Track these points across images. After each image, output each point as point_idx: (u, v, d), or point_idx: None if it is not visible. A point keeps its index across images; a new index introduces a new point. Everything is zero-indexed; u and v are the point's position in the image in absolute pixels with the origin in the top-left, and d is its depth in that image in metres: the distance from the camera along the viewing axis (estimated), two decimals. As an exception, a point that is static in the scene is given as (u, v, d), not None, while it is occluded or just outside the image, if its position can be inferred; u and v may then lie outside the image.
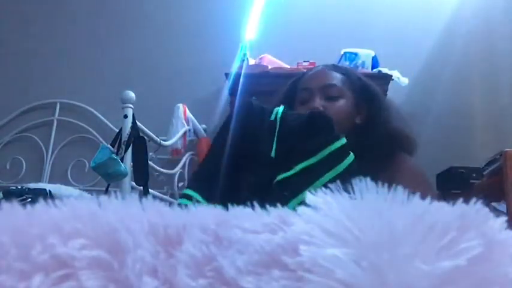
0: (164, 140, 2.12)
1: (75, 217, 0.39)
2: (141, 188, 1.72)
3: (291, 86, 1.24)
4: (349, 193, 0.41)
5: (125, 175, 1.63)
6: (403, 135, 1.14)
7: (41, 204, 0.42)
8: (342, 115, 1.10)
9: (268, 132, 0.93)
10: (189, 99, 2.55)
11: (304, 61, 2.31)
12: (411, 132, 1.17)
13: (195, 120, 2.49)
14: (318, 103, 1.10)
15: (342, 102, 1.12)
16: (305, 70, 1.42)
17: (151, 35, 2.90)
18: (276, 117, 0.94)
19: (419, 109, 2.54)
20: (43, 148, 2.71)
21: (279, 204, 0.42)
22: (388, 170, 0.97)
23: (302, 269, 0.34)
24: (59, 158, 2.70)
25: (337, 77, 1.15)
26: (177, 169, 2.26)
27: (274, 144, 0.90)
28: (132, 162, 1.69)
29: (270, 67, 2.34)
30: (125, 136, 1.66)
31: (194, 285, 0.36)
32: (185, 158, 2.39)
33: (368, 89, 1.18)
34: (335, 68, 1.21)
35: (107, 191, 1.71)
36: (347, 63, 2.25)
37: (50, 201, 0.42)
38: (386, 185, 0.40)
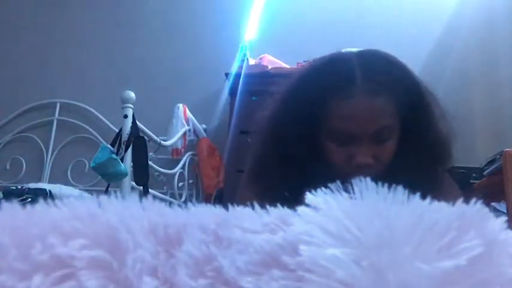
0: (164, 140, 2.12)
1: (75, 217, 0.39)
2: (141, 188, 1.72)
3: (309, 105, 0.85)
4: (349, 193, 0.40)
5: (125, 175, 1.63)
6: (445, 148, 0.92)
7: (41, 204, 0.42)
8: (391, 157, 0.85)
9: None
10: (189, 99, 2.55)
11: (304, 61, 2.31)
12: (449, 142, 0.93)
13: (195, 120, 2.49)
14: (368, 159, 0.82)
15: (391, 142, 0.85)
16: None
17: (151, 35, 2.89)
18: None
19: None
20: (43, 148, 2.71)
21: None
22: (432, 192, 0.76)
23: (302, 269, 0.34)
24: (59, 158, 2.70)
25: (385, 109, 0.82)
26: (177, 169, 2.26)
27: None
28: (132, 162, 1.69)
29: (270, 67, 2.35)
30: (125, 136, 1.66)
31: (194, 285, 0.36)
32: (185, 158, 2.39)
33: (409, 99, 0.85)
34: (377, 85, 0.82)
35: (107, 191, 1.71)
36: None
37: (50, 201, 0.42)
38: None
